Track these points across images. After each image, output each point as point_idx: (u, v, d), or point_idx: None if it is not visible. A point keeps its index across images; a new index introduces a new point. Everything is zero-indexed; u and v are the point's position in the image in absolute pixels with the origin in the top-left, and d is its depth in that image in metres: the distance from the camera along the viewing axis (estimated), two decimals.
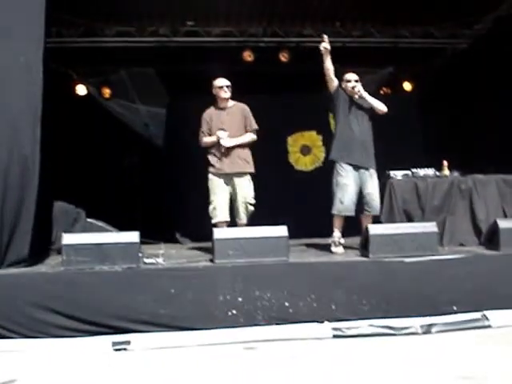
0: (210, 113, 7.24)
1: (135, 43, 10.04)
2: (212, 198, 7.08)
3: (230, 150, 7.07)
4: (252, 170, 7.22)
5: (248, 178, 7.19)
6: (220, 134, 7.02)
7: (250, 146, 7.27)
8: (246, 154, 7.22)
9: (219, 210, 7.04)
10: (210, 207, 7.08)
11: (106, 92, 11.15)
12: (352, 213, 7.00)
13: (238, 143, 7.11)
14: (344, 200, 6.93)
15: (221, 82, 7.19)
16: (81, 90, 11.13)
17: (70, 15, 9.03)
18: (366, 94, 7.11)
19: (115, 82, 11.11)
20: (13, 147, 5.91)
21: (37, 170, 5.98)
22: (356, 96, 7.12)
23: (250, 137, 7.23)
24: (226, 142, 7.02)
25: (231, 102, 7.28)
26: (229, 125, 7.12)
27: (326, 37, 6.91)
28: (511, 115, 8.79)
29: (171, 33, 10.03)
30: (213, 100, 7.31)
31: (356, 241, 7.12)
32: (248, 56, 10.40)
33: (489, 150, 9.07)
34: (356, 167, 7.00)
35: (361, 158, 7.02)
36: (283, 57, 10.45)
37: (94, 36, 9.89)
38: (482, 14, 9.89)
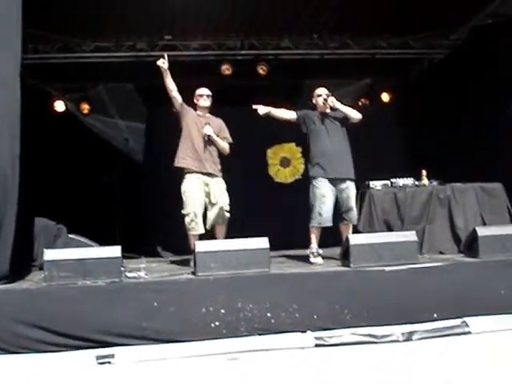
0: (191, 110, 7.34)
1: (113, 58, 10.04)
2: (188, 208, 7.08)
3: (206, 151, 7.19)
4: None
5: (223, 182, 7.28)
6: (207, 126, 7.15)
7: (221, 156, 7.40)
8: (218, 161, 7.35)
9: (198, 221, 7.07)
10: (187, 219, 7.08)
11: (85, 108, 11.14)
12: (330, 223, 7.09)
13: (216, 140, 7.23)
14: (322, 212, 7.02)
15: (202, 90, 7.39)
16: (59, 106, 11.11)
17: (46, 31, 9.04)
18: (339, 105, 7.22)
19: (94, 97, 11.13)
20: None
21: (16, 186, 5.94)
22: (327, 110, 7.21)
23: (226, 144, 7.36)
24: (209, 129, 7.14)
25: (209, 114, 7.40)
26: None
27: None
28: (488, 124, 8.88)
29: (149, 47, 10.04)
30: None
31: (332, 251, 7.18)
32: (226, 69, 10.42)
33: (467, 158, 9.14)
34: (332, 180, 7.09)
35: (336, 169, 7.11)
36: (261, 69, 10.47)
37: (72, 52, 9.89)
38: (458, 24, 10.01)
